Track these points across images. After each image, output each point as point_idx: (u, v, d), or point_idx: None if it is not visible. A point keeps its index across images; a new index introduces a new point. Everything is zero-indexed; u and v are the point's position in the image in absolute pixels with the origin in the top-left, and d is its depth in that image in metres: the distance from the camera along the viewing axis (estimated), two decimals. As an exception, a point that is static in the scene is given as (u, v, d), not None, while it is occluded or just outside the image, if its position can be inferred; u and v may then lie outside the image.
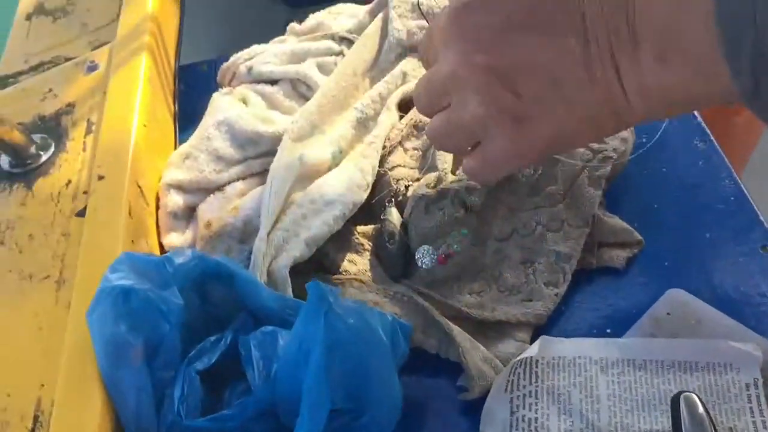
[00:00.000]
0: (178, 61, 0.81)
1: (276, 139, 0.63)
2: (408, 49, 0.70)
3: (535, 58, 0.37)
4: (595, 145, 0.58)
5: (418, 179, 0.62)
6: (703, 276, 0.56)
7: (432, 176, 0.60)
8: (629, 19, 0.35)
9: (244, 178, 0.64)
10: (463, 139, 0.42)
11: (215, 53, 1.34)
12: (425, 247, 0.57)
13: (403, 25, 0.69)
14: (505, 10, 0.38)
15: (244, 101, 0.69)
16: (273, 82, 0.70)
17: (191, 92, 0.82)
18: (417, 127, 0.65)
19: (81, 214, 0.57)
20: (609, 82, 0.36)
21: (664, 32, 0.34)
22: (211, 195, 0.62)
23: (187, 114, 0.79)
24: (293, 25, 0.76)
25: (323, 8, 2.16)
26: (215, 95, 0.69)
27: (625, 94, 0.37)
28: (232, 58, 0.73)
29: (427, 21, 0.66)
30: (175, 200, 0.62)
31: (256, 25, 1.62)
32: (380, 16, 0.71)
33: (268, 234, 0.56)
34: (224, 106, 0.65)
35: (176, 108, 0.77)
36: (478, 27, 0.39)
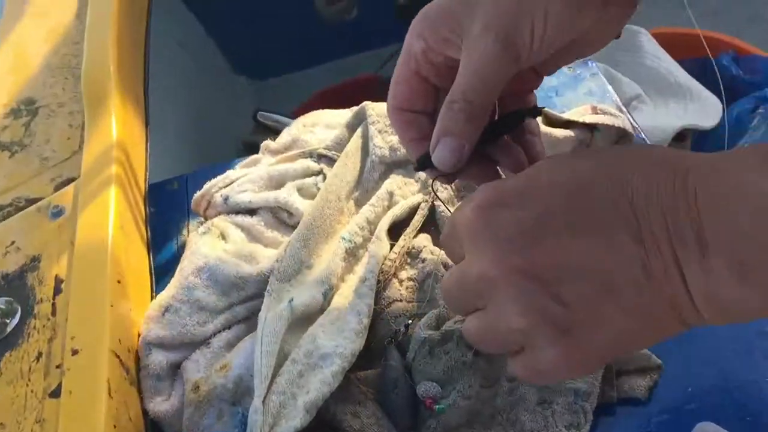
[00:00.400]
0: (146, 183, 0.77)
1: (262, 282, 0.59)
2: (392, 166, 0.66)
3: (581, 260, 0.32)
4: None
5: (417, 315, 0.58)
6: (729, 401, 0.52)
7: (433, 315, 0.56)
8: (693, 218, 0.30)
9: (229, 327, 0.59)
10: (504, 346, 0.37)
11: (179, 146, 1.31)
12: (428, 383, 0.54)
13: (384, 141, 0.66)
14: (540, 204, 0.33)
15: (223, 236, 0.65)
16: (252, 211, 0.66)
17: (162, 213, 0.78)
18: (410, 254, 0.61)
19: (55, 393, 0.52)
20: (673, 288, 0.31)
21: (742, 242, 0.29)
22: (197, 350, 0.58)
23: (160, 237, 0.75)
24: (267, 143, 0.73)
25: (287, 77, 2.09)
26: (192, 235, 0.65)
27: (693, 302, 0.32)
28: (206, 186, 0.69)
29: (445, 207, 0.62)
30: (158, 360, 0.57)
31: (219, 102, 1.59)
32: (359, 132, 0.68)
33: (263, 400, 0.51)
34: (203, 249, 0.61)
35: (148, 235, 0.73)
36: (511, 225, 0.34)
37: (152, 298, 0.64)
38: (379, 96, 1.29)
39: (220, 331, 0.59)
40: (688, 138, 0.96)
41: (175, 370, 0.58)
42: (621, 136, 0.67)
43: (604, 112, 0.66)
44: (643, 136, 0.70)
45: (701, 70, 1.03)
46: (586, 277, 0.32)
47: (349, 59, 1.88)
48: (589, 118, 0.65)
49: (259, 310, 0.58)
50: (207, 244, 0.62)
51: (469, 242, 0.36)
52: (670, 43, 1.04)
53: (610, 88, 0.76)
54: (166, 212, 0.78)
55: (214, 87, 1.59)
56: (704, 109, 0.92)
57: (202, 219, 0.70)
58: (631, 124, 0.68)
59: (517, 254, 0.33)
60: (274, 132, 1.19)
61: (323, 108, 0.83)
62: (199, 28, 1.62)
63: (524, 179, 0.35)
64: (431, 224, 0.63)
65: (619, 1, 0.38)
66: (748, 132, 0.91)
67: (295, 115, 1.20)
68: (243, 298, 0.60)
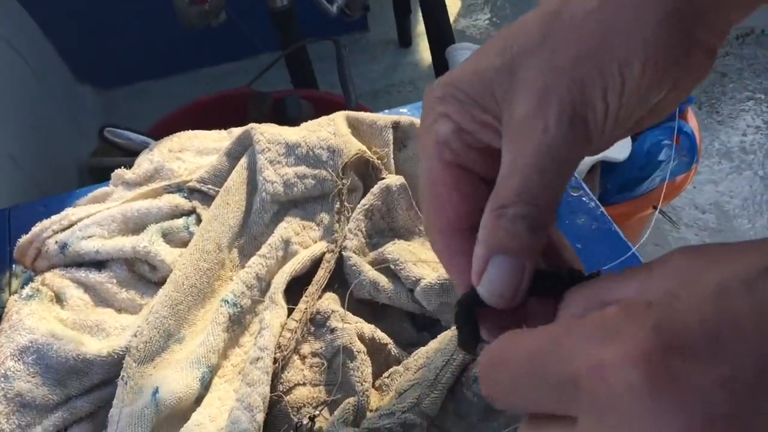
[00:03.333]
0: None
1: (113, 364, 0.44)
2: (287, 206, 0.53)
3: None
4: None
5: (326, 402, 0.45)
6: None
7: (350, 403, 0.43)
8: None
9: (66, 428, 0.43)
10: None
11: (5, 169, 1.08)
12: None
13: (277, 174, 0.52)
14: (753, 353, 0.18)
15: (59, 299, 0.48)
16: (100, 264, 0.50)
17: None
18: (314, 322, 0.48)
19: None
20: None
21: None
22: (16, 468, 0.41)
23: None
24: (121, 173, 0.56)
25: (141, 86, 1.87)
26: (13, 301, 0.47)
27: None
28: (35, 228, 0.51)
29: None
30: (-44, 486, 0.40)
31: (58, 115, 1.36)
32: (244, 161, 0.53)
33: None
34: (29, 321, 0.44)
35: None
36: (714, 392, 0.18)
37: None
38: (253, 112, 1.14)
39: (52, 437, 0.42)
40: (597, 170, 0.91)
41: (-18, 496, 0.41)
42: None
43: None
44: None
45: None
46: None
47: (215, 68, 1.71)
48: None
49: (109, 403, 0.42)
50: (34, 313, 0.45)
51: (623, 417, 0.19)
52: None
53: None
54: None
55: (51, 97, 1.37)
56: (612, 140, 0.87)
57: (30, 273, 0.52)
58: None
59: None
60: (126, 153, 1.01)
61: (186, 126, 0.68)
62: (33, 27, 1.39)
63: (709, 306, 0.19)
64: (338, 280, 0.50)
65: (705, 45, 0.26)
66: (661, 166, 0.87)
67: (152, 133, 1.02)
68: (86, 388, 0.44)
